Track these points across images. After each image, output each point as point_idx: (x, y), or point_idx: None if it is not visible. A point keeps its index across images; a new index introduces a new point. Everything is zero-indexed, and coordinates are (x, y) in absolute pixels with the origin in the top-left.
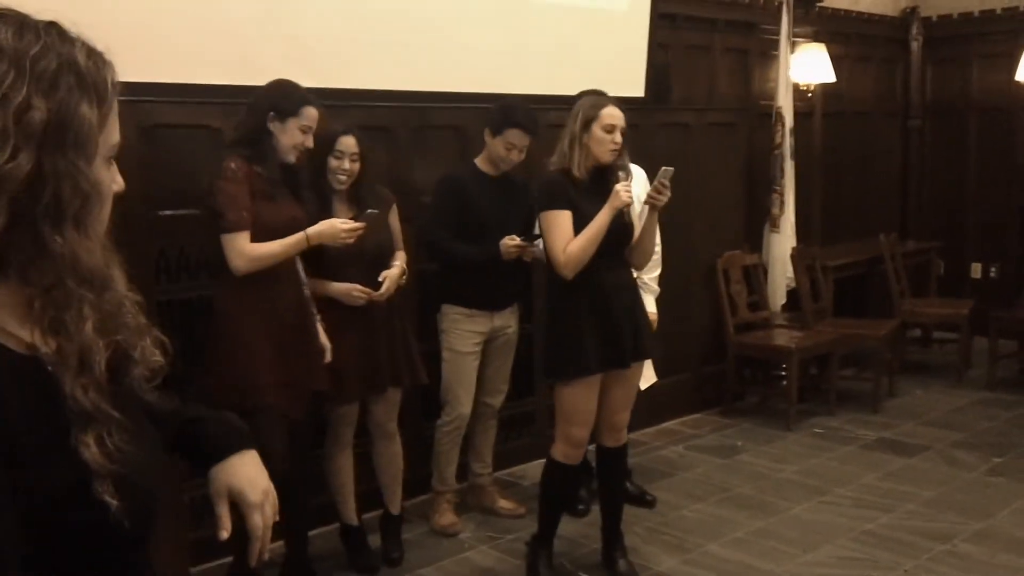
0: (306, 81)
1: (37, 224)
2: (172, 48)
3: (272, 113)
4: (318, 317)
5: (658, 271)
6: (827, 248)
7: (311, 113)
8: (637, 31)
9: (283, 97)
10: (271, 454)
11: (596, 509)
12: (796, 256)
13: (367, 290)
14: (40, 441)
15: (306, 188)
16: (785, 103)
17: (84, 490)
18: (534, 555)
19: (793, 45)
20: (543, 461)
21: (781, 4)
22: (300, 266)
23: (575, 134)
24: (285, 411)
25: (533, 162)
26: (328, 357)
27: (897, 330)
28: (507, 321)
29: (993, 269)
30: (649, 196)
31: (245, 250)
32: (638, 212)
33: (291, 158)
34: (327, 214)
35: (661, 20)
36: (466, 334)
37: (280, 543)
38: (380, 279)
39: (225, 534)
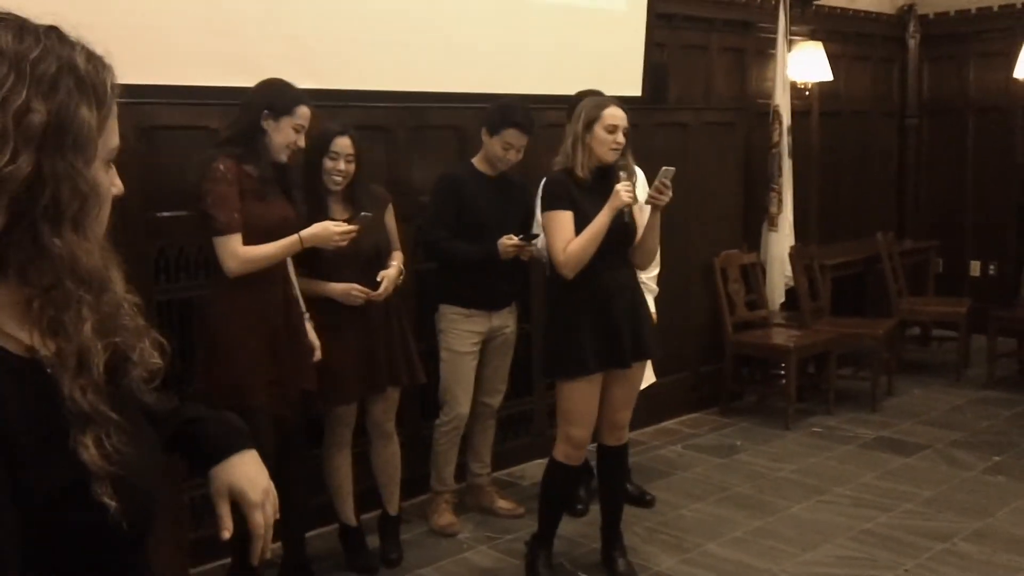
0: (305, 82)
1: (36, 225)
2: (171, 50)
3: (266, 111)
4: (307, 316)
5: (657, 271)
6: (825, 247)
7: (305, 112)
8: (634, 31)
9: (278, 95)
10: (261, 454)
11: (595, 509)
12: (794, 255)
13: (366, 290)
14: (39, 442)
15: (296, 187)
16: (783, 102)
17: (83, 491)
18: (533, 555)
19: (790, 44)
20: (542, 461)
21: (778, 3)
22: (290, 266)
23: (577, 134)
24: (275, 411)
25: (530, 162)
26: (318, 355)
27: (895, 329)
28: (505, 321)
29: (992, 267)
30: (650, 196)
31: (238, 252)
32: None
33: (283, 157)
34: (322, 215)
35: (658, 20)
36: (464, 334)
37: (279, 543)
38: (378, 279)
39: (227, 534)
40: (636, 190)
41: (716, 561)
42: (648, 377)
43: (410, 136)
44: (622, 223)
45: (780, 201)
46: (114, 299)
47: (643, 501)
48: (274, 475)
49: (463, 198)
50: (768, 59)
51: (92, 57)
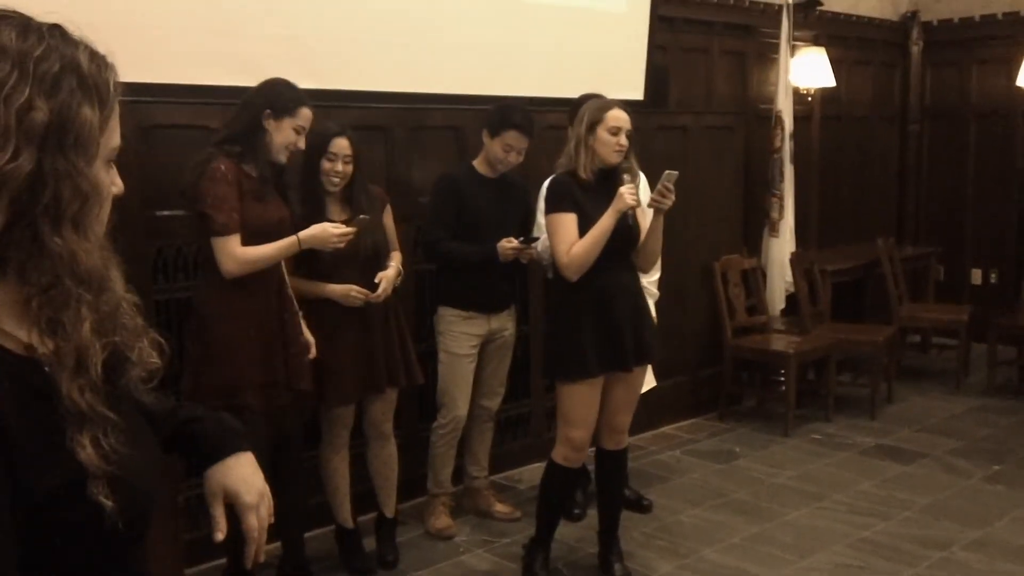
0: (305, 81)
1: (36, 224)
2: (170, 49)
3: (268, 111)
4: (300, 314)
5: (658, 275)
6: (824, 252)
7: (306, 114)
8: (636, 33)
9: (280, 96)
10: (254, 455)
11: (592, 513)
12: (794, 260)
13: (365, 291)
14: (37, 441)
15: (293, 188)
16: (785, 107)
17: (80, 490)
18: (530, 558)
19: (793, 49)
20: (539, 464)
21: (781, 8)
22: (283, 266)
23: (581, 136)
24: (268, 410)
25: (530, 164)
26: (313, 353)
27: (895, 335)
28: (504, 323)
29: (993, 275)
30: (653, 200)
31: (236, 253)
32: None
33: (282, 158)
34: (320, 216)
35: (659, 22)
36: (463, 336)
37: (277, 544)
38: (376, 280)
39: (220, 535)
40: (639, 193)
41: (713, 567)
42: (648, 381)
43: (409, 137)
44: (626, 226)
45: (781, 206)
46: (113, 299)
47: (641, 506)
48: (269, 475)
49: (463, 199)
50: (769, 63)
51: (95, 56)
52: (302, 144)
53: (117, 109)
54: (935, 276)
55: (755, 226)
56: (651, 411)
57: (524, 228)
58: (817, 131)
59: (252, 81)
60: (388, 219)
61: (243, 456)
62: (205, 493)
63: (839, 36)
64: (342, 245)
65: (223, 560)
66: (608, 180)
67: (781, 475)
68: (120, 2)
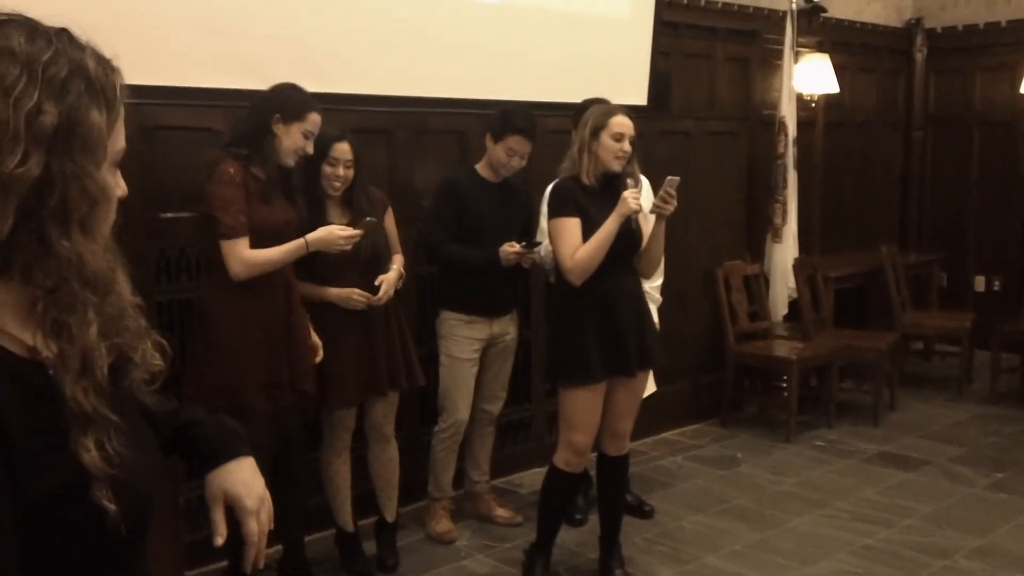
0: (308, 85)
1: (44, 226)
2: (173, 51)
3: (277, 115)
4: (308, 317)
5: (661, 280)
6: (827, 258)
7: (315, 119)
8: (640, 39)
9: (289, 100)
10: (256, 456)
11: (593, 518)
12: (797, 266)
13: (367, 294)
14: (38, 443)
15: (299, 191)
16: (788, 113)
17: (81, 492)
18: (531, 563)
19: (797, 55)
20: (540, 469)
21: (785, 14)
22: (291, 268)
23: (584, 141)
24: (271, 412)
25: (533, 168)
26: (320, 355)
27: (898, 342)
28: (506, 328)
29: (996, 282)
30: (655, 205)
31: (244, 256)
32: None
33: (290, 162)
34: (322, 220)
35: (663, 28)
36: (464, 340)
37: (278, 547)
38: (376, 283)
39: (220, 540)
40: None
41: (715, 573)
42: (649, 387)
43: (411, 140)
44: (629, 230)
45: (784, 212)
46: (119, 301)
47: (642, 512)
48: (270, 476)
49: (464, 202)
50: (772, 69)
51: (101, 60)
52: (310, 149)
53: (123, 112)
54: (938, 283)
55: (758, 232)
56: (653, 416)
57: (526, 232)
58: (821, 137)
59: (255, 83)
60: (389, 222)
61: (244, 460)
62: (206, 496)
63: (843, 42)
64: (349, 247)
65: (223, 562)
66: (611, 185)
67: (783, 482)
68: (122, 4)
